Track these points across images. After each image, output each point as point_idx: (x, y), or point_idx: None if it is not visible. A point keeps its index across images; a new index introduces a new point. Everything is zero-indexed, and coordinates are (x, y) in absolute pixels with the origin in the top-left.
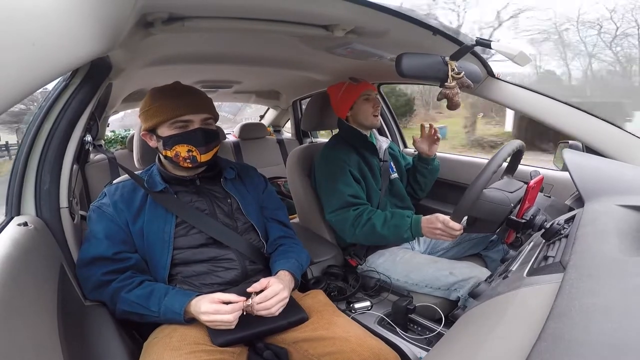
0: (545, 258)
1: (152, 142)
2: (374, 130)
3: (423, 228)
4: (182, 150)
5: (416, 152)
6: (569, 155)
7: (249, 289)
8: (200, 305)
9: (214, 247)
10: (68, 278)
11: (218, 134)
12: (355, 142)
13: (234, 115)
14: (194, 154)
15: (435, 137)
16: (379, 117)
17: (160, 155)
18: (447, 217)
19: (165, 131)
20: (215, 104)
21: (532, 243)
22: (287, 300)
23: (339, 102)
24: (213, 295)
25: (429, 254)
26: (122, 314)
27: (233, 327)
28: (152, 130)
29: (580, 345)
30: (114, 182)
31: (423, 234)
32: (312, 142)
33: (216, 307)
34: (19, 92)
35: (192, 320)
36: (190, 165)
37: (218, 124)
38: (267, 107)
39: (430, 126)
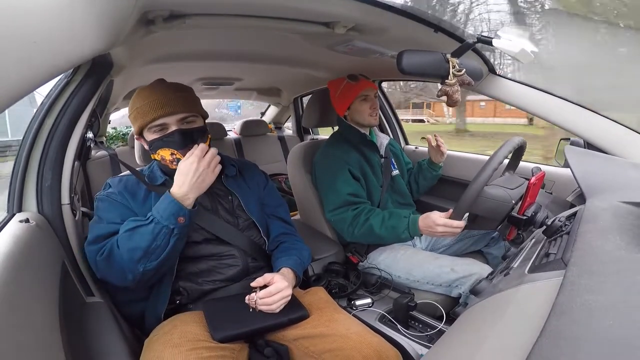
0: (547, 255)
1: (146, 145)
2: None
3: (421, 228)
4: (166, 154)
5: (416, 149)
6: (570, 151)
7: (252, 284)
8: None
9: (215, 244)
10: (69, 275)
11: (202, 131)
12: (354, 140)
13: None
14: (178, 156)
15: (441, 148)
16: (378, 115)
17: None
18: (445, 219)
19: (148, 135)
20: (217, 101)
21: (533, 240)
22: (290, 297)
23: (337, 100)
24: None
25: (430, 250)
26: (129, 261)
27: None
28: (140, 134)
29: (581, 342)
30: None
31: (421, 233)
32: (313, 138)
33: None
34: (21, 90)
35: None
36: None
37: (221, 122)
38: (267, 104)
39: (435, 137)
